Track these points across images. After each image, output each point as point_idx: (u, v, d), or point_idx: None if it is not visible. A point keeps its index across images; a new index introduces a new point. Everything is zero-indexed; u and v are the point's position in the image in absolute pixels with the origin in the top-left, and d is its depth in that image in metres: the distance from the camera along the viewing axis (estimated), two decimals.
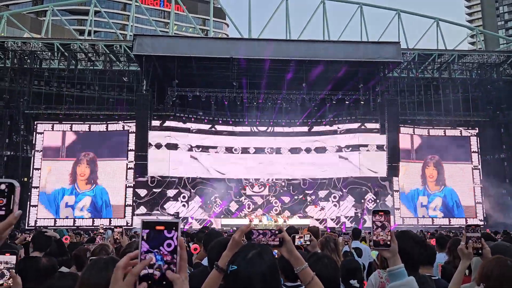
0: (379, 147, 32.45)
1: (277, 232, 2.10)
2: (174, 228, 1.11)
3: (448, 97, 34.66)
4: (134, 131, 30.58)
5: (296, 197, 33.48)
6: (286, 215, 31.97)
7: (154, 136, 31.50)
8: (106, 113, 31.98)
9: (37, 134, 31.39)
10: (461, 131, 34.10)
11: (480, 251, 2.65)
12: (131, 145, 30.99)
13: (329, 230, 19.04)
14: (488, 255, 2.63)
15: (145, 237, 1.11)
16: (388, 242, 2.06)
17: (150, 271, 1.08)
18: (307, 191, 33.54)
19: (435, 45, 37.54)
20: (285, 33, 36.11)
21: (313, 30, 39.35)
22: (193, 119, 33.11)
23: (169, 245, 1.10)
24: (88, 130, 31.81)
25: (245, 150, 34.00)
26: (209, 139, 33.34)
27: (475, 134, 34.26)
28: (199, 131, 33.02)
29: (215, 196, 32.45)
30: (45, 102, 32.22)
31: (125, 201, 31.12)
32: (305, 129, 34.39)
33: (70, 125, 31.65)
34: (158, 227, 1.11)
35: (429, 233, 15.75)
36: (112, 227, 5.78)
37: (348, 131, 33.56)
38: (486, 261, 2.54)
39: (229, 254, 2.03)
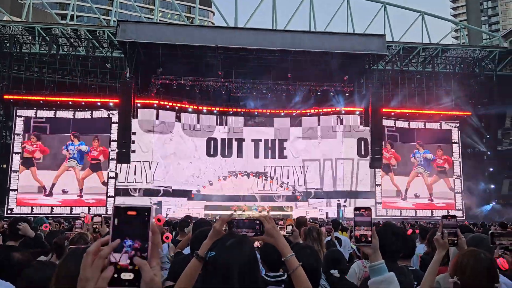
0: (362, 139, 32.82)
1: (257, 221, 2.10)
2: (146, 213, 1.10)
3: (431, 90, 35.09)
4: (117, 119, 30.27)
5: (279, 189, 33.74)
6: (267, 205, 32.15)
7: (138, 125, 31.24)
8: (89, 100, 31.51)
9: (17, 118, 30.80)
10: (440, 124, 34.58)
11: (455, 242, 2.69)
12: (114, 134, 30.66)
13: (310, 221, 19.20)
14: (463, 246, 2.68)
15: (116, 223, 1.09)
16: (369, 239, 2.08)
17: (118, 255, 1.06)
18: (290, 183, 33.83)
19: (419, 39, 37.84)
20: (272, 23, 35.94)
21: (299, 21, 39.31)
22: (177, 108, 32.90)
23: (141, 231, 1.08)
24: (72, 117, 31.37)
25: (229, 140, 34.01)
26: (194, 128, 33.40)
27: (457, 127, 34.81)
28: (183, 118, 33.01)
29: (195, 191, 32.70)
30: (25, 88, 31.58)
31: (107, 190, 30.84)
32: (290, 119, 34.48)
33: (54, 111, 31.12)
34: (130, 213, 1.09)
35: (409, 224, 15.99)
36: (92, 215, 5.71)
37: (333, 121, 33.78)
38: (459, 253, 2.58)
39: (209, 243, 2.03)
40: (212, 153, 33.78)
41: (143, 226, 1.09)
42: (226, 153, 34.01)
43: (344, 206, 30.86)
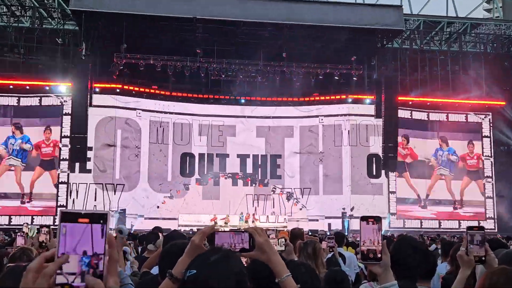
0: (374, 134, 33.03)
1: (246, 234, 2.11)
2: (101, 221, 1.09)
3: (458, 74, 35.35)
4: (70, 107, 30.07)
5: (271, 193, 33.88)
6: (254, 214, 32.31)
7: (96, 114, 31.06)
8: (35, 83, 31.21)
9: None
10: (466, 116, 34.92)
11: (483, 258, 2.71)
12: (66, 128, 30.43)
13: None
14: (492, 264, 2.69)
15: (64, 232, 1.08)
16: (379, 255, 2.09)
17: (68, 275, 1.06)
18: (283, 187, 33.99)
19: (444, 12, 38.05)
20: None
21: None
22: (144, 94, 32.76)
23: (95, 243, 1.08)
24: (16, 104, 31.08)
25: (207, 133, 34.12)
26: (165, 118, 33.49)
27: (488, 119, 35.19)
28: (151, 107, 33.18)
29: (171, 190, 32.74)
30: None
31: (57, 195, 30.63)
32: (284, 109, 34.57)
33: None
34: (81, 220, 1.09)
35: (429, 239, 16.15)
36: (38, 226, 5.67)
37: (337, 111, 34.01)
38: (489, 272, 2.60)
39: (186, 261, 2.02)
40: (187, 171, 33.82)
41: (97, 236, 1.08)
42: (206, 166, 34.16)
43: (350, 216, 31.05)
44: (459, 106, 34.67)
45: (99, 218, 1.10)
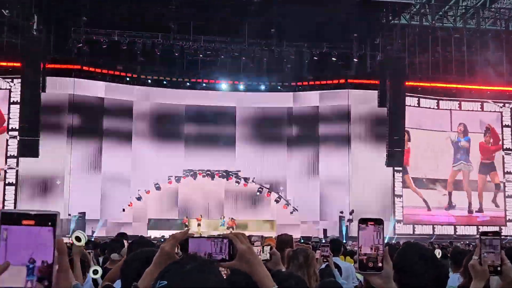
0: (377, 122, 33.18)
1: (225, 241, 2.11)
2: (50, 223, 1.09)
3: (474, 56, 35.55)
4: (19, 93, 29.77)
5: (255, 195, 34.02)
6: (232, 218, 32.46)
7: (49, 100, 30.79)
8: None
9: None
10: (482, 105, 35.21)
11: (499, 269, 2.73)
12: (14, 120, 30.14)
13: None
14: (509, 274, 2.73)
15: (5, 237, 1.08)
16: (380, 264, 2.09)
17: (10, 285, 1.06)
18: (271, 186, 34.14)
19: None
20: None
21: None
22: (108, 76, 32.56)
23: (42, 248, 1.07)
24: None
25: (181, 123, 34.03)
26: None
27: (510, 108, 35.51)
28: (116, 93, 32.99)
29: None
30: None
31: (4, 195, 30.43)
32: (273, 95, 34.58)
33: None
34: (26, 222, 1.08)
35: (439, 247, 16.27)
36: None
37: (335, 98, 34.10)
38: (504, 284, 2.63)
39: (154, 271, 2.02)
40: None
41: (45, 241, 1.08)
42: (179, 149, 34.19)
43: (350, 220, 31.23)
44: (476, 93, 34.91)
45: (47, 220, 1.09)
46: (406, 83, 32.61)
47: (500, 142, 35.42)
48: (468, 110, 35.25)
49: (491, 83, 34.86)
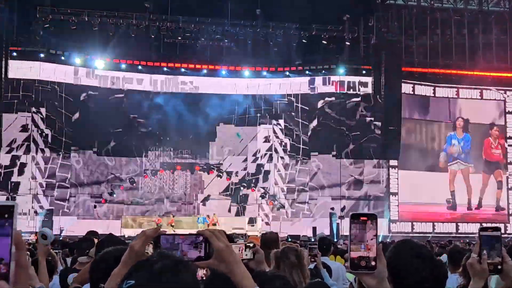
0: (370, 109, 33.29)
1: (200, 238, 2.09)
2: (6, 215, 1.07)
3: (476, 39, 35.70)
4: None
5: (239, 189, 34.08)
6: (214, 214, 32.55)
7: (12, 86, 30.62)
8: None
9: None
10: (481, 92, 35.47)
11: (499, 267, 2.73)
12: None
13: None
14: (510, 273, 2.73)
15: None
16: (373, 263, 2.08)
17: None
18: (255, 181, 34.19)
19: None
20: None
21: None
22: (77, 61, 32.38)
23: None
24: None
25: (158, 112, 33.95)
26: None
27: None
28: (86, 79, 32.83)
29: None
30: None
31: None
32: (258, 82, 34.57)
33: None
34: None
35: (438, 246, 16.43)
36: None
37: (326, 84, 34.23)
38: (505, 285, 2.63)
39: (123, 270, 2.01)
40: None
41: (1, 235, 1.06)
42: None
43: (341, 217, 31.39)
44: (477, 79, 35.06)
45: (3, 211, 1.08)
46: (403, 69, 32.73)
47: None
48: (467, 98, 35.42)
49: (494, 69, 35.02)
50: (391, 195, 33.81)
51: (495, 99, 35.86)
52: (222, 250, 2.08)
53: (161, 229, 2.19)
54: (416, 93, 34.70)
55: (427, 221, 34.15)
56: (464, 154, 35.18)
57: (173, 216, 31.98)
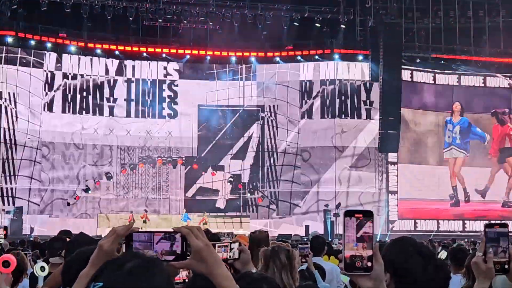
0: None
1: (177, 235, 2.07)
2: None
3: (482, 23, 35.71)
4: None
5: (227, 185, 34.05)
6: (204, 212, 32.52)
7: None
8: None
9: None
10: (484, 79, 35.53)
11: (506, 267, 2.73)
12: None
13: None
14: None
15: None
16: (369, 264, 2.08)
17: None
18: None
19: None
20: None
21: None
22: (49, 45, 32.21)
23: None
24: None
25: (137, 101, 33.89)
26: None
27: None
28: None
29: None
30: None
31: None
32: (246, 68, 34.50)
33: None
34: None
35: (440, 245, 16.48)
36: None
37: (319, 71, 34.20)
38: None
39: (90, 274, 1.98)
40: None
41: None
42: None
43: (336, 214, 31.45)
44: (483, 65, 35.10)
45: None
46: (403, 54, 32.69)
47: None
48: (469, 86, 35.50)
49: (501, 55, 35.05)
50: (390, 194, 33.93)
51: (499, 87, 35.98)
52: (200, 249, 2.06)
53: (133, 226, 2.16)
54: (414, 80, 34.75)
55: (430, 218, 34.26)
56: (460, 139, 35.32)
57: (146, 211, 31.79)
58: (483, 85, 35.75)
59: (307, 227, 31.46)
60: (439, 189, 34.38)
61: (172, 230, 2.10)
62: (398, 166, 33.98)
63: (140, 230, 2.10)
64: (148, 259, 1.83)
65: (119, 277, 1.74)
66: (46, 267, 5.70)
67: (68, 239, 7.68)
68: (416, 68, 34.50)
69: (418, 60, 34.33)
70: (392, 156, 33.76)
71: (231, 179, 34.30)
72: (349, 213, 2.10)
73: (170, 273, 2.35)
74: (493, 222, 3.09)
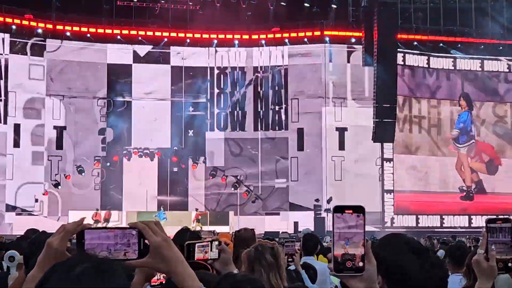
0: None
1: (133, 232, 2.05)
2: None
3: (484, 2, 35.79)
4: None
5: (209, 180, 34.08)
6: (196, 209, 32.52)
7: None
8: None
9: None
10: (482, 62, 35.67)
11: (510, 265, 2.73)
12: None
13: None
14: None
15: None
16: (360, 264, 2.07)
17: None
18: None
19: None
20: None
21: None
22: (12, 28, 32.09)
23: None
24: None
25: (109, 88, 33.82)
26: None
27: None
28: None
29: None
30: None
31: None
32: (228, 51, 34.47)
33: None
34: None
35: (440, 242, 16.58)
36: None
37: (308, 55, 34.21)
38: None
39: (38, 275, 1.95)
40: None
41: None
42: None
43: (327, 210, 31.51)
44: (485, 48, 35.21)
45: None
46: (399, 36, 32.74)
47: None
48: (466, 70, 35.71)
49: (505, 37, 35.15)
50: (385, 193, 34.09)
51: (502, 71, 36.19)
52: (159, 245, 2.05)
53: (85, 223, 2.12)
54: (407, 63, 34.80)
55: (435, 212, 34.60)
56: (462, 132, 35.67)
57: (109, 208, 31.68)
58: (480, 69, 35.89)
59: (295, 224, 31.54)
60: (437, 181, 34.73)
61: (127, 226, 2.07)
62: (396, 156, 34.20)
63: (92, 227, 2.06)
64: (100, 261, 1.81)
65: (67, 281, 1.71)
66: (17, 256, 5.67)
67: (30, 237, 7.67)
68: (410, 51, 34.58)
69: (415, 43, 34.36)
70: (387, 153, 34.03)
71: (213, 173, 34.29)
72: (338, 209, 2.10)
73: (147, 276, 2.34)
74: (495, 217, 3.03)
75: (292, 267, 6.48)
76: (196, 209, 32.53)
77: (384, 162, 34.08)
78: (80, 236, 2.03)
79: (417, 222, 34.13)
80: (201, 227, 28.68)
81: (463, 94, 35.60)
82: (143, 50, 34.07)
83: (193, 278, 2.10)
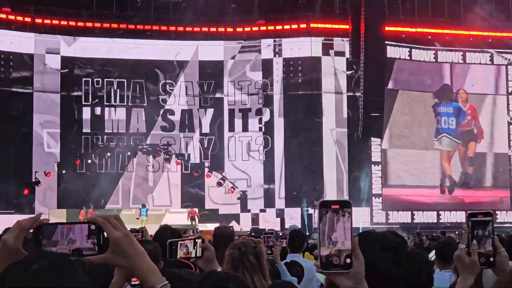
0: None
1: (92, 226, 2.04)
2: None
3: None
4: None
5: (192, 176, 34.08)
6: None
7: None
8: None
9: None
10: (463, 54, 35.76)
11: (492, 260, 2.75)
12: None
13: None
14: (505, 266, 2.75)
15: None
16: (348, 260, 2.06)
17: None
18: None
19: None
20: None
21: None
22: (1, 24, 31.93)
23: None
24: None
25: (96, 86, 33.66)
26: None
27: None
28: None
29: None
30: None
31: None
32: (211, 46, 34.44)
33: None
34: None
35: (429, 238, 16.63)
36: None
37: (293, 48, 34.24)
38: (499, 279, 2.68)
39: None
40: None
41: None
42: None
43: (314, 206, 31.56)
44: (475, 40, 35.30)
45: None
46: (386, 28, 32.72)
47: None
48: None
49: (494, 29, 35.19)
50: (374, 198, 34.19)
51: (496, 64, 36.34)
52: (119, 240, 2.04)
53: (41, 218, 2.10)
54: (389, 55, 34.63)
55: (431, 209, 34.81)
56: (452, 124, 35.89)
57: (91, 207, 31.47)
58: (462, 61, 36.06)
59: (282, 220, 31.57)
60: (426, 176, 34.96)
61: (86, 221, 2.06)
62: (387, 151, 34.37)
63: (49, 222, 2.05)
64: (57, 258, 1.81)
65: (23, 280, 1.72)
66: None
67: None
68: (400, 44, 34.66)
69: (404, 35, 34.37)
70: (375, 154, 34.22)
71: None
72: (325, 204, 2.10)
73: (126, 275, 2.32)
74: (476, 211, 3.02)
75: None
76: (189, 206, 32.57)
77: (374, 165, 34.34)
78: (37, 232, 2.02)
79: (413, 219, 34.30)
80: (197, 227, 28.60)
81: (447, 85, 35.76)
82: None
83: (155, 272, 2.08)
